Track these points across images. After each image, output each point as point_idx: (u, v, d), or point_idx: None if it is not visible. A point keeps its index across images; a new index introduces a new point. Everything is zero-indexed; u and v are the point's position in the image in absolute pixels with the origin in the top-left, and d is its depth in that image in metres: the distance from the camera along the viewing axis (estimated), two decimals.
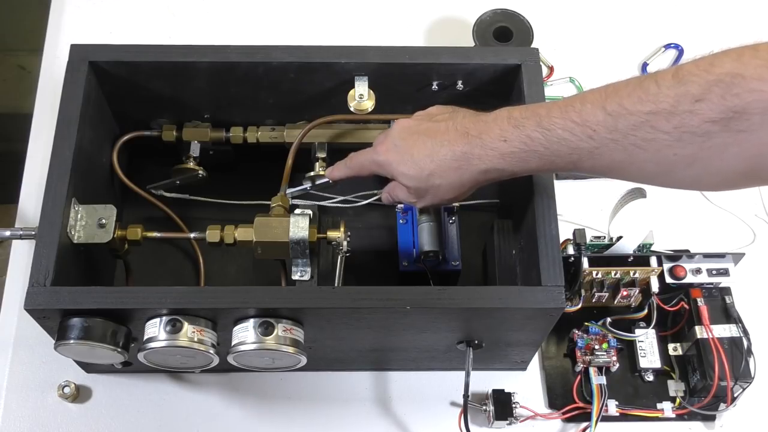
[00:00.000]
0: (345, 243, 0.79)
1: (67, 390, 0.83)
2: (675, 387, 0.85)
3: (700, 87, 0.55)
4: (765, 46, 0.54)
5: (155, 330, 0.70)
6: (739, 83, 0.53)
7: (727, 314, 0.83)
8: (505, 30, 1.01)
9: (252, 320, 0.71)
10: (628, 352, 0.87)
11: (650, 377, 0.86)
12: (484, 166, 0.68)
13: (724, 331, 0.82)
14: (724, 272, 0.84)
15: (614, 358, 0.84)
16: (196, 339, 0.70)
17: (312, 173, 0.86)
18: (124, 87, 0.82)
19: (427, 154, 0.70)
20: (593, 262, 0.82)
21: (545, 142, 0.63)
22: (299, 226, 0.77)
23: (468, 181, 0.70)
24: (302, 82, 0.82)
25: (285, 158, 0.83)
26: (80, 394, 0.84)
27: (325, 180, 0.86)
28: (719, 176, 0.59)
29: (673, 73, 0.57)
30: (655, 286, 0.83)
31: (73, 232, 0.75)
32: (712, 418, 0.84)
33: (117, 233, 0.77)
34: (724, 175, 0.59)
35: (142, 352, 0.71)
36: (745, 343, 0.82)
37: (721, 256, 0.84)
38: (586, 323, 0.86)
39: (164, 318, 0.70)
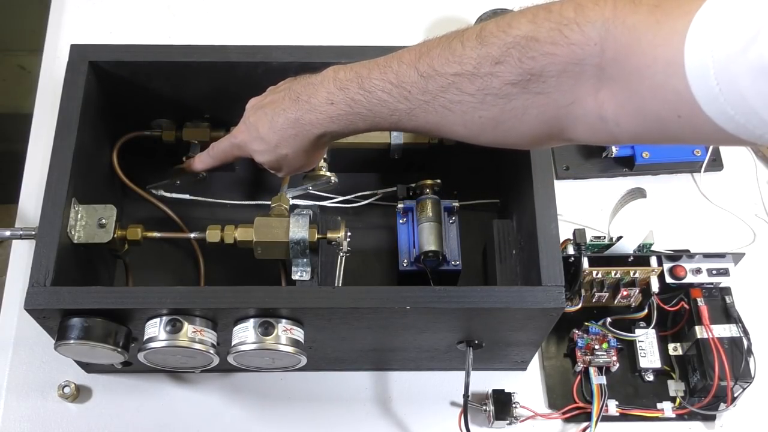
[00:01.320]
0: (345, 243, 0.79)
1: (67, 390, 0.83)
2: (675, 387, 0.85)
3: (499, 49, 0.56)
4: (557, 6, 0.54)
5: (155, 330, 0.70)
6: (533, 46, 0.54)
7: (727, 314, 0.83)
8: None
9: (252, 320, 0.71)
10: (628, 352, 0.86)
11: (650, 377, 0.86)
12: (317, 131, 0.67)
13: (724, 331, 0.82)
14: (724, 272, 0.84)
15: (614, 358, 0.84)
16: (196, 339, 0.70)
17: (312, 173, 0.86)
18: (124, 87, 0.82)
19: (269, 126, 0.70)
20: (593, 262, 0.82)
21: (367, 104, 0.64)
22: (299, 226, 0.77)
23: (309, 146, 0.69)
24: None
25: None
26: (80, 394, 0.84)
27: (326, 180, 0.86)
28: (524, 137, 0.60)
29: (477, 33, 0.57)
30: (655, 286, 0.83)
31: (73, 232, 0.75)
32: (712, 418, 0.84)
33: (117, 233, 0.77)
34: (528, 136, 0.60)
35: (142, 352, 0.71)
36: (745, 343, 0.82)
37: (721, 256, 0.84)
38: (586, 323, 0.86)
39: (164, 318, 0.70)
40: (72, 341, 0.69)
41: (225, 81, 0.82)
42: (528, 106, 0.57)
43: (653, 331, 0.86)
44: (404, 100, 0.61)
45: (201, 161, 0.81)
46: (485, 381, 0.84)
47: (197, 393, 0.85)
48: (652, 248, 0.84)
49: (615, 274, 0.84)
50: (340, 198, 0.90)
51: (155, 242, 0.83)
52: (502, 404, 0.82)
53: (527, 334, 0.77)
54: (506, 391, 0.83)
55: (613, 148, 0.95)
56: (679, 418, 0.84)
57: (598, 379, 0.83)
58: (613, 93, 0.54)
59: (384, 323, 0.74)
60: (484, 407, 0.83)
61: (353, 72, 0.65)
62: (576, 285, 0.83)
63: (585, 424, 0.83)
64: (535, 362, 0.87)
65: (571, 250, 0.83)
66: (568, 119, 0.57)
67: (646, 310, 0.86)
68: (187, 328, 0.70)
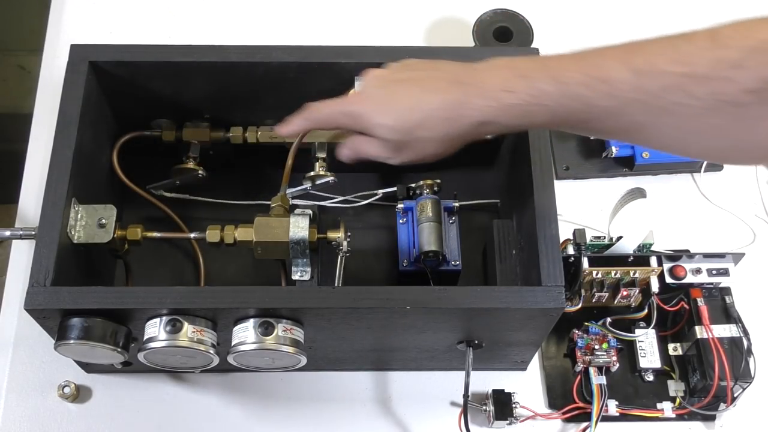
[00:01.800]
0: (345, 243, 0.79)
1: (67, 390, 0.83)
2: (675, 387, 0.85)
3: (738, 52, 0.51)
4: None
5: (155, 330, 0.70)
6: None
7: (727, 314, 0.83)
8: (505, 30, 1.01)
9: (252, 320, 0.71)
10: (628, 352, 0.86)
11: (650, 377, 0.86)
12: (481, 118, 0.61)
13: (724, 331, 0.82)
14: (724, 272, 0.84)
15: (614, 358, 0.84)
16: (196, 339, 0.70)
17: (312, 173, 0.86)
18: (124, 87, 0.82)
19: (413, 103, 0.64)
20: (593, 262, 0.82)
21: (558, 97, 0.58)
22: (299, 226, 0.77)
23: (458, 134, 0.64)
24: (302, 82, 0.82)
25: (285, 158, 0.83)
26: (80, 394, 0.84)
27: (326, 180, 0.86)
28: (746, 151, 0.55)
29: (709, 35, 0.53)
30: (655, 286, 0.83)
31: (73, 232, 0.75)
32: (712, 418, 0.84)
33: (117, 233, 0.77)
34: (751, 150, 0.55)
35: (142, 352, 0.71)
36: (745, 343, 0.82)
37: (721, 256, 0.84)
38: (586, 323, 0.86)
39: (164, 318, 0.70)
40: (72, 341, 0.69)
41: (225, 81, 0.82)
42: (762, 117, 0.52)
43: (653, 331, 0.86)
44: (608, 97, 0.56)
45: (294, 124, 0.73)
46: (485, 381, 0.84)
47: (197, 393, 0.85)
48: (652, 248, 0.84)
49: (615, 274, 0.84)
50: (340, 198, 0.90)
51: (155, 242, 0.83)
52: (502, 404, 0.82)
53: (527, 334, 0.77)
54: (506, 391, 0.83)
55: (613, 148, 0.95)
56: (679, 418, 0.84)
57: (598, 379, 0.83)
58: None
59: (384, 323, 0.74)
60: (484, 407, 0.83)
61: (537, 62, 0.60)
62: (576, 285, 0.83)
63: (585, 424, 0.83)
64: (535, 362, 0.87)
65: (571, 250, 0.83)
66: None
67: (646, 310, 0.86)
68: (187, 328, 0.70)
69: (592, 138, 0.96)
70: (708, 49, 0.52)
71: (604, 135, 0.61)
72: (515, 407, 0.82)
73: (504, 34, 1.01)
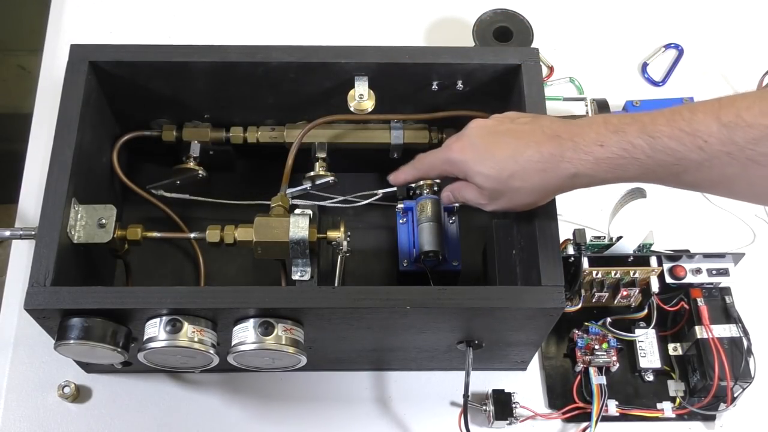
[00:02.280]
0: (345, 243, 0.79)
1: (67, 390, 0.83)
2: (675, 387, 0.85)
3: None
4: None
5: (155, 330, 0.70)
6: None
7: (727, 314, 0.83)
8: (505, 30, 1.01)
9: (252, 320, 0.71)
10: (628, 352, 0.87)
11: (650, 377, 0.86)
12: (574, 170, 0.65)
13: (724, 331, 0.82)
14: (724, 272, 0.84)
15: (614, 358, 0.84)
16: (196, 339, 0.70)
17: (312, 173, 0.86)
18: (124, 87, 0.82)
19: (510, 154, 0.67)
20: (593, 262, 0.82)
21: (649, 150, 0.60)
22: (299, 226, 0.77)
23: (552, 185, 0.67)
24: (302, 82, 0.82)
25: (285, 158, 0.83)
26: (80, 394, 0.84)
27: (326, 180, 0.86)
28: None
29: None
30: (655, 286, 0.83)
31: (73, 232, 0.75)
32: (712, 418, 0.84)
33: (117, 233, 0.77)
34: None
35: (142, 352, 0.71)
36: (745, 343, 0.82)
37: (721, 256, 0.84)
38: (586, 323, 0.86)
39: (164, 318, 0.70)
40: (72, 341, 0.69)
41: (225, 81, 0.82)
42: None
43: (653, 331, 0.86)
44: (698, 150, 0.58)
45: (405, 173, 0.80)
46: (485, 381, 0.84)
47: (197, 393, 0.85)
48: (652, 248, 0.84)
49: (615, 274, 0.84)
50: (340, 198, 0.90)
51: (155, 242, 0.83)
52: (502, 404, 0.82)
53: (527, 334, 0.77)
54: (506, 391, 0.83)
55: None
56: (679, 418, 0.84)
57: (598, 379, 0.83)
58: None
59: (384, 323, 0.74)
60: (484, 407, 0.83)
61: (630, 117, 0.62)
62: (576, 285, 0.83)
63: (585, 424, 0.83)
64: (535, 362, 0.87)
65: (571, 250, 0.83)
66: None
67: (646, 310, 0.86)
68: (187, 328, 0.70)
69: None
70: None
71: (695, 188, 0.63)
72: (515, 407, 0.82)
73: (504, 34, 1.01)
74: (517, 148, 0.67)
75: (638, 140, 0.61)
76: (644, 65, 1.06)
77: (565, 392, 0.85)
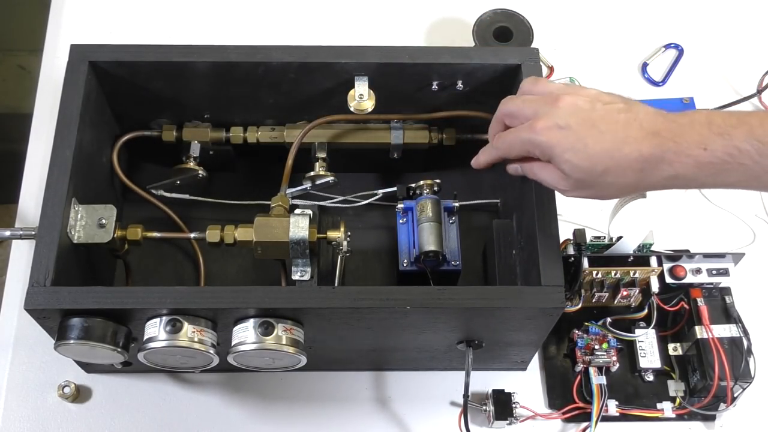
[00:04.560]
0: (345, 243, 0.79)
1: (67, 390, 0.83)
2: (675, 387, 0.85)
3: None
4: None
5: (155, 330, 0.70)
6: None
7: (727, 314, 0.83)
8: (505, 30, 1.01)
9: (252, 320, 0.71)
10: (628, 352, 0.87)
11: (650, 377, 0.86)
12: (674, 172, 0.61)
13: (724, 331, 0.82)
14: (724, 272, 0.84)
15: (614, 358, 0.84)
16: (196, 339, 0.70)
17: (312, 173, 0.86)
18: (124, 87, 0.82)
19: (607, 148, 0.63)
20: (593, 262, 0.82)
21: (757, 156, 0.58)
22: (299, 226, 0.77)
23: (648, 184, 0.64)
24: (302, 82, 0.82)
25: (285, 158, 0.83)
26: (80, 394, 0.84)
27: (326, 180, 0.86)
28: None
29: None
30: (655, 286, 0.83)
31: (73, 232, 0.75)
32: (712, 418, 0.84)
33: (117, 233, 0.77)
34: None
35: (142, 352, 0.71)
36: (745, 343, 0.82)
37: (721, 256, 0.84)
38: (586, 323, 0.86)
39: (164, 318, 0.70)
40: (72, 341, 0.69)
41: (225, 81, 0.82)
42: None
43: (653, 331, 0.86)
44: None
45: (486, 154, 0.74)
46: (485, 381, 0.84)
47: (197, 393, 0.85)
48: (652, 248, 0.84)
49: (615, 274, 0.84)
50: (340, 198, 0.90)
51: (155, 242, 0.83)
52: (502, 404, 0.82)
53: (527, 334, 0.77)
54: (506, 391, 0.83)
55: None
56: (679, 418, 0.84)
57: (598, 379, 0.83)
58: None
59: (384, 323, 0.74)
60: (484, 407, 0.83)
61: (736, 119, 0.59)
62: (576, 285, 0.83)
63: (585, 424, 0.83)
64: (535, 362, 0.87)
65: (571, 250, 0.83)
66: None
67: (646, 310, 0.86)
68: (187, 328, 0.70)
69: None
70: None
71: None
72: (515, 407, 0.82)
73: (504, 34, 1.01)
74: (614, 143, 0.63)
75: (745, 145, 0.58)
76: (644, 65, 1.06)
77: (565, 392, 0.85)
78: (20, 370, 0.85)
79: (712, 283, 0.84)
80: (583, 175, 0.64)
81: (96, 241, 0.76)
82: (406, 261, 0.85)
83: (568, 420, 0.84)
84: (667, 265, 0.83)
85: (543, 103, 0.67)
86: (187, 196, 0.89)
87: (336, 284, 0.79)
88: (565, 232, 0.79)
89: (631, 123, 0.63)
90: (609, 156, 0.63)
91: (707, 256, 0.84)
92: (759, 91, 1.00)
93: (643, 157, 0.62)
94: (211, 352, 0.72)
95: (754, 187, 0.62)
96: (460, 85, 0.83)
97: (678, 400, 0.84)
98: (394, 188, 0.89)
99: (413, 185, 0.88)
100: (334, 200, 0.90)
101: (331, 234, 0.79)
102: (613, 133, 0.63)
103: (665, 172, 0.62)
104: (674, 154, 0.61)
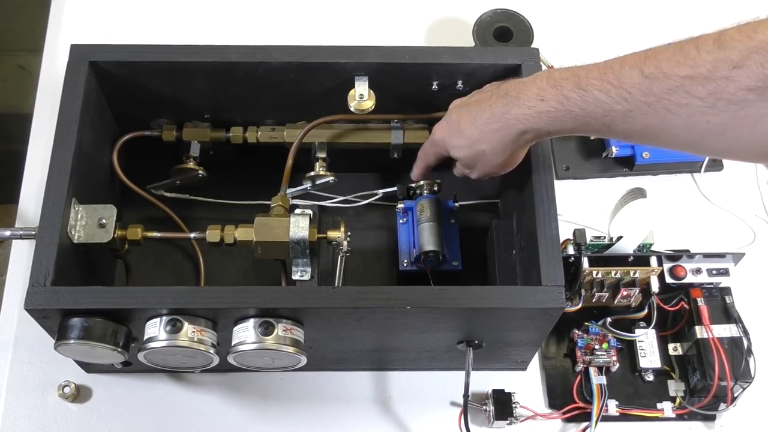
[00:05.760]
0: (345, 243, 0.79)
1: (67, 390, 0.83)
2: (675, 387, 0.85)
3: (740, 53, 0.53)
4: None
5: (155, 330, 0.70)
6: None
7: (727, 314, 0.83)
8: (505, 30, 1.01)
9: (252, 320, 0.71)
10: (628, 352, 0.87)
11: (650, 377, 0.86)
12: (522, 126, 0.67)
13: (724, 331, 0.82)
14: (724, 272, 0.84)
15: (614, 358, 0.84)
16: (196, 339, 0.70)
17: (312, 173, 0.86)
18: (124, 87, 0.82)
19: (471, 121, 0.71)
20: (593, 262, 0.82)
21: (581, 103, 0.63)
22: (299, 226, 0.77)
23: (509, 143, 0.70)
24: (302, 82, 0.82)
25: (285, 158, 0.83)
26: (80, 394, 0.84)
27: (326, 180, 0.86)
28: (750, 148, 0.58)
29: (715, 37, 0.55)
30: (655, 286, 0.83)
31: (73, 232, 0.75)
32: (712, 418, 0.84)
33: (117, 233, 0.77)
34: (755, 147, 0.57)
35: (142, 352, 0.71)
36: (745, 343, 0.82)
37: (721, 256, 0.84)
38: (586, 323, 0.86)
39: (164, 318, 0.70)
40: (72, 341, 0.69)
41: (225, 81, 0.82)
42: (763, 115, 0.54)
43: (653, 331, 0.86)
44: (622, 101, 0.60)
45: (415, 168, 0.83)
46: (485, 381, 0.84)
47: (197, 393, 0.85)
48: (652, 248, 0.84)
49: (615, 274, 0.84)
50: (340, 198, 0.90)
51: (155, 242, 0.83)
52: (502, 404, 0.82)
53: (527, 334, 0.77)
54: (506, 391, 0.83)
55: (613, 148, 0.95)
56: (679, 418, 0.84)
57: (598, 379, 0.83)
58: None
59: (384, 323, 0.74)
60: (484, 407, 0.83)
61: (569, 72, 0.65)
62: (576, 285, 0.83)
63: (585, 424, 0.83)
64: (535, 362, 0.87)
65: (571, 250, 0.83)
66: None
67: (646, 310, 0.86)
68: (187, 328, 0.70)
69: (592, 138, 0.96)
70: (711, 51, 0.55)
71: (627, 139, 0.65)
72: (515, 407, 0.82)
73: (504, 34, 1.01)
74: (477, 113, 0.70)
75: (572, 93, 0.63)
76: None
77: (565, 392, 0.85)
78: (20, 370, 0.85)
79: (712, 283, 0.84)
80: (465, 152, 0.73)
81: (96, 241, 0.76)
82: (406, 261, 0.85)
83: (568, 420, 0.84)
84: (667, 265, 0.83)
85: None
86: (187, 196, 0.89)
87: (336, 284, 0.79)
88: (565, 232, 0.79)
89: (492, 94, 0.70)
90: (474, 125, 0.70)
91: (707, 256, 0.84)
92: None
93: (495, 116, 0.68)
94: (211, 352, 0.72)
95: (589, 132, 0.67)
96: (460, 85, 0.83)
97: (678, 400, 0.84)
98: (394, 188, 0.89)
99: (413, 185, 0.88)
100: (334, 200, 0.90)
101: (331, 234, 0.79)
102: (477, 106, 0.71)
103: (516, 127, 0.68)
104: (518, 107, 0.67)
